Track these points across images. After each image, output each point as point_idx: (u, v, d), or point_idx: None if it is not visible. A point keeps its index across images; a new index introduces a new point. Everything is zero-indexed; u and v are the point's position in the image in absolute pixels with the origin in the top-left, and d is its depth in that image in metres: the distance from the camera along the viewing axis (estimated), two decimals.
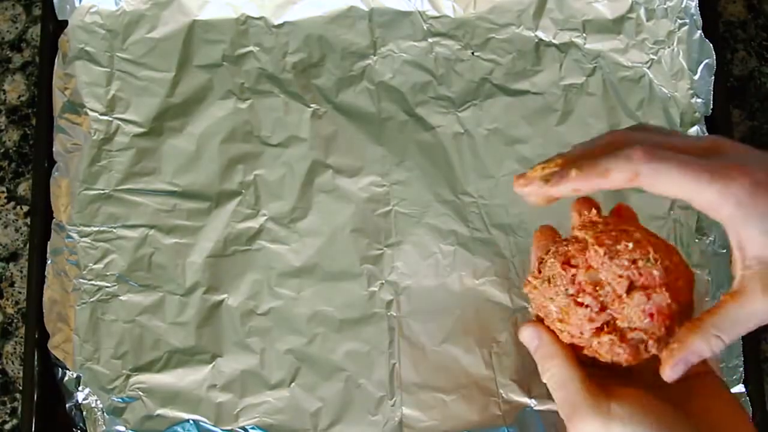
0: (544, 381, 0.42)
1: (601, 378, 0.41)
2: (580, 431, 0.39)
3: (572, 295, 0.40)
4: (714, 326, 0.40)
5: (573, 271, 0.40)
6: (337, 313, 0.54)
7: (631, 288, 0.39)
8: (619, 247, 0.39)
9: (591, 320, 0.40)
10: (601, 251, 0.39)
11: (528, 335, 0.43)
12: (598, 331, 0.40)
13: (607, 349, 0.40)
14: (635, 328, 0.39)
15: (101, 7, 0.60)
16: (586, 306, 0.39)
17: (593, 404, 0.39)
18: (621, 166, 0.38)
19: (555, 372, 0.41)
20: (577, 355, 0.42)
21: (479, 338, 0.53)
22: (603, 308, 0.39)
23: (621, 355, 0.40)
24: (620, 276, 0.39)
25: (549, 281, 0.41)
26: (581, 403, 0.39)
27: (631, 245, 0.39)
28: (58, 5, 0.59)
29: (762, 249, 0.38)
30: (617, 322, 0.40)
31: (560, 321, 0.41)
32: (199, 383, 0.52)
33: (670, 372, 0.40)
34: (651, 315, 0.39)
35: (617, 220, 0.42)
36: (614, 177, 0.38)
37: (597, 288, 0.39)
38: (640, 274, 0.39)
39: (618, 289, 0.39)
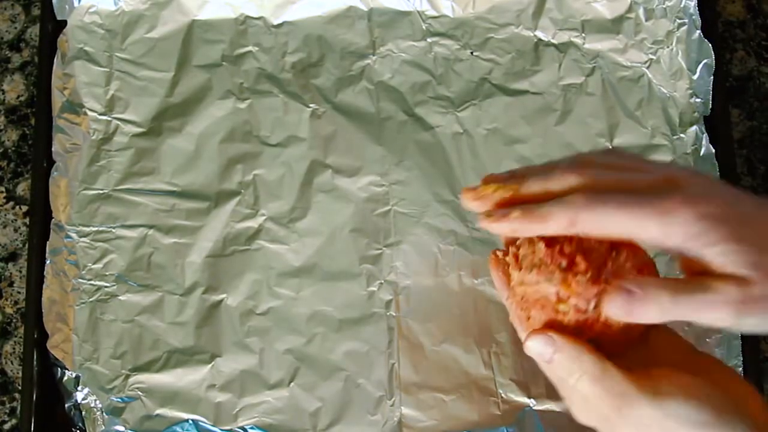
0: (573, 384, 0.39)
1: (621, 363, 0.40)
2: (633, 419, 0.37)
3: (566, 268, 0.39)
4: (671, 288, 0.37)
5: (558, 246, 0.39)
6: (336, 313, 0.54)
7: (613, 248, 0.39)
8: None
9: (595, 282, 0.38)
10: None
11: (539, 344, 0.39)
12: (600, 297, 0.39)
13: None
14: None
15: (100, 7, 0.60)
16: (586, 270, 0.38)
17: (640, 388, 0.37)
18: (560, 212, 0.38)
19: (587, 369, 0.38)
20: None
21: (478, 338, 0.53)
22: (600, 271, 0.39)
23: None
24: (600, 241, 0.39)
25: (538, 267, 0.40)
26: (628, 390, 0.37)
27: None
28: (57, 5, 0.59)
29: (723, 266, 0.37)
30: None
31: (561, 301, 0.39)
32: (198, 383, 0.52)
33: (610, 300, 0.38)
34: (641, 270, 0.39)
35: None
36: (552, 224, 0.38)
37: (587, 254, 0.39)
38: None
39: (604, 252, 0.39)
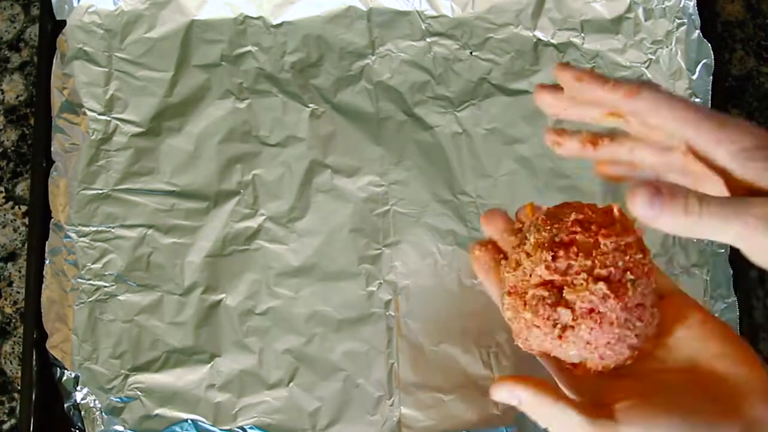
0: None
1: (599, 385, 0.40)
2: None
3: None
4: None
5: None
6: (335, 313, 0.54)
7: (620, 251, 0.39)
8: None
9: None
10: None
11: (504, 396, 0.40)
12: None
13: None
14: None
15: (99, 7, 0.60)
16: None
17: (597, 424, 0.36)
18: (625, 81, 0.37)
19: (549, 416, 0.39)
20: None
21: (477, 338, 0.53)
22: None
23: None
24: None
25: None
26: (584, 428, 0.37)
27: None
28: (57, 5, 0.59)
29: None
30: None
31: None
32: (197, 383, 0.52)
33: (634, 198, 0.35)
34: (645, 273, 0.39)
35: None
36: (616, 86, 0.37)
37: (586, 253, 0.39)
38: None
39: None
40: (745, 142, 0.35)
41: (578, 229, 0.39)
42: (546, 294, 0.39)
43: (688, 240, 0.54)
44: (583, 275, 0.38)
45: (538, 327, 0.40)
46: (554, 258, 0.39)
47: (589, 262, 0.39)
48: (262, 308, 0.54)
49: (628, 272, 0.39)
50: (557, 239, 0.39)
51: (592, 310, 0.38)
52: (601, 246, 0.39)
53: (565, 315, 0.39)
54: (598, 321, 0.38)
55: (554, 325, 0.39)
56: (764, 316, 0.58)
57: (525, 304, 0.40)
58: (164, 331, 0.53)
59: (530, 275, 0.40)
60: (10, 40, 0.64)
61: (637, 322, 0.39)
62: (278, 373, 0.52)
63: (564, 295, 0.39)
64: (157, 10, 0.60)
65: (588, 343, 0.39)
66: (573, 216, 0.40)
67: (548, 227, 0.40)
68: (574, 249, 0.39)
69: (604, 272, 0.38)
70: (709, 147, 0.36)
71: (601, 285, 0.38)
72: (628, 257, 0.39)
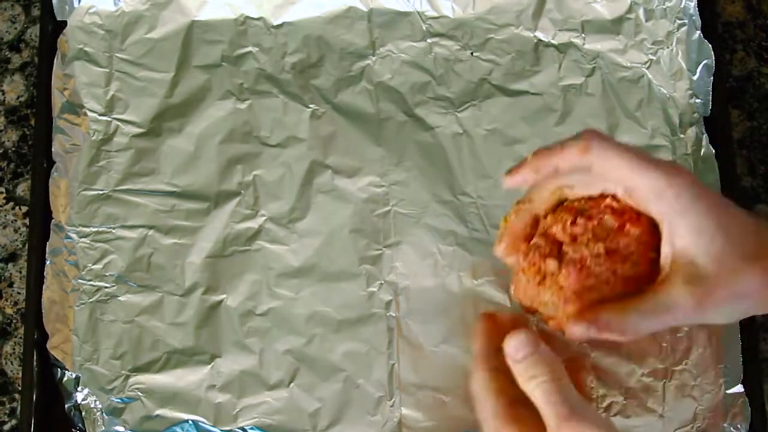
0: (530, 389, 0.41)
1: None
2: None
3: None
4: (635, 309, 0.41)
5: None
6: (335, 314, 0.54)
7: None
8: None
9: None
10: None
11: (521, 342, 0.42)
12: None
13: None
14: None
15: (100, 8, 0.60)
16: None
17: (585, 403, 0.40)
18: (573, 140, 0.42)
19: (547, 377, 0.41)
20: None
21: None
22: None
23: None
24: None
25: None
26: (577, 401, 0.40)
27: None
28: (57, 6, 0.59)
29: (688, 245, 0.40)
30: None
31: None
32: (197, 384, 0.52)
33: (572, 328, 0.41)
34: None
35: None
36: (567, 151, 0.42)
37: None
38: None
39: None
40: (684, 188, 0.40)
41: (609, 213, 0.43)
42: (543, 244, 0.43)
43: None
44: (590, 236, 0.42)
45: (524, 272, 0.44)
46: (573, 223, 0.42)
47: (604, 235, 0.42)
48: (263, 309, 0.54)
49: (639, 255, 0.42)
50: (585, 213, 0.43)
51: (580, 261, 0.41)
52: (625, 230, 0.42)
53: (551, 265, 0.42)
54: (579, 268, 0.41)
55: (537, 272, 0.43)
56: (764, 315, 0.58)
57: (525, 249, 0.44)
58: (165, 331, 0.53)
59: (545, 231, 0.43)
60: (10, 41, 0.64)
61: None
62: (279, 373, 0.52)
63: (563, 248, 0.42)
64: (158, 10, 0.60)
65: (561, 288, 0.42)
66: (608, 201, 0.43)
67: (582, 200, 0.44)
68: (596, 223, 0.42)
69: (613, 245, 0.42)
70: (653, 194, 0.41)
71: (600, 245, 0.42)
72: (643, 248, 0.42)
